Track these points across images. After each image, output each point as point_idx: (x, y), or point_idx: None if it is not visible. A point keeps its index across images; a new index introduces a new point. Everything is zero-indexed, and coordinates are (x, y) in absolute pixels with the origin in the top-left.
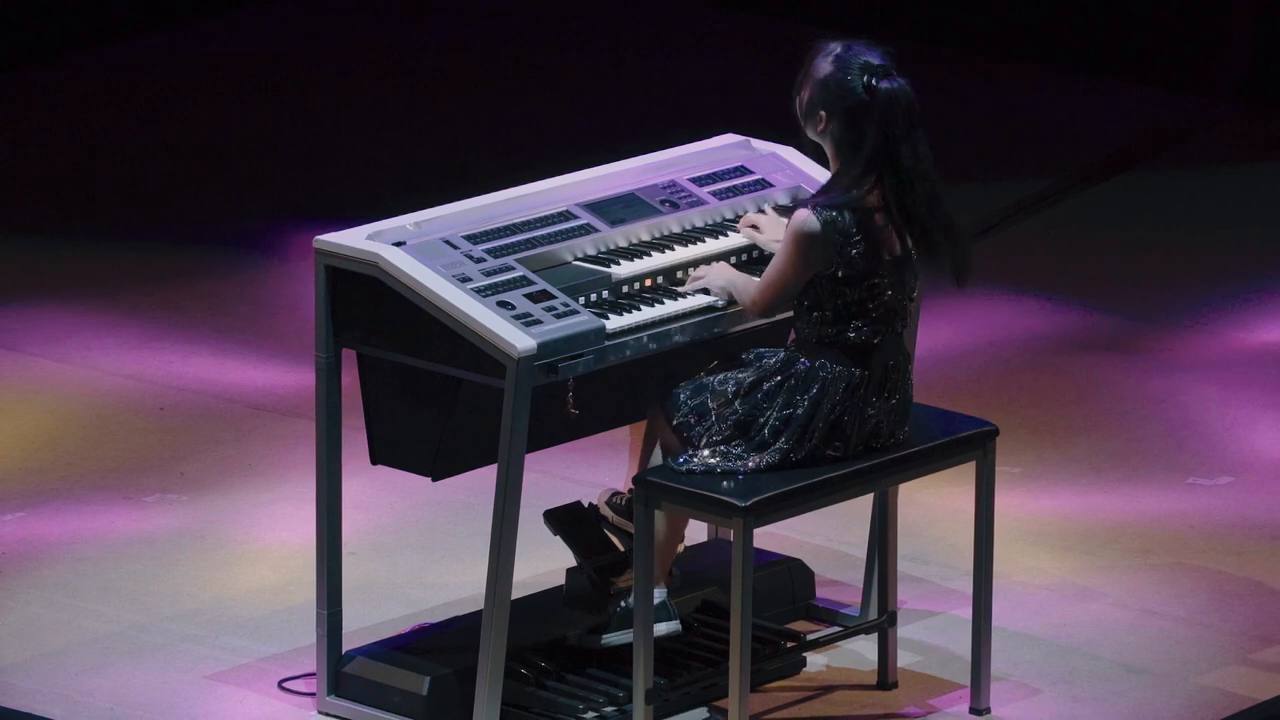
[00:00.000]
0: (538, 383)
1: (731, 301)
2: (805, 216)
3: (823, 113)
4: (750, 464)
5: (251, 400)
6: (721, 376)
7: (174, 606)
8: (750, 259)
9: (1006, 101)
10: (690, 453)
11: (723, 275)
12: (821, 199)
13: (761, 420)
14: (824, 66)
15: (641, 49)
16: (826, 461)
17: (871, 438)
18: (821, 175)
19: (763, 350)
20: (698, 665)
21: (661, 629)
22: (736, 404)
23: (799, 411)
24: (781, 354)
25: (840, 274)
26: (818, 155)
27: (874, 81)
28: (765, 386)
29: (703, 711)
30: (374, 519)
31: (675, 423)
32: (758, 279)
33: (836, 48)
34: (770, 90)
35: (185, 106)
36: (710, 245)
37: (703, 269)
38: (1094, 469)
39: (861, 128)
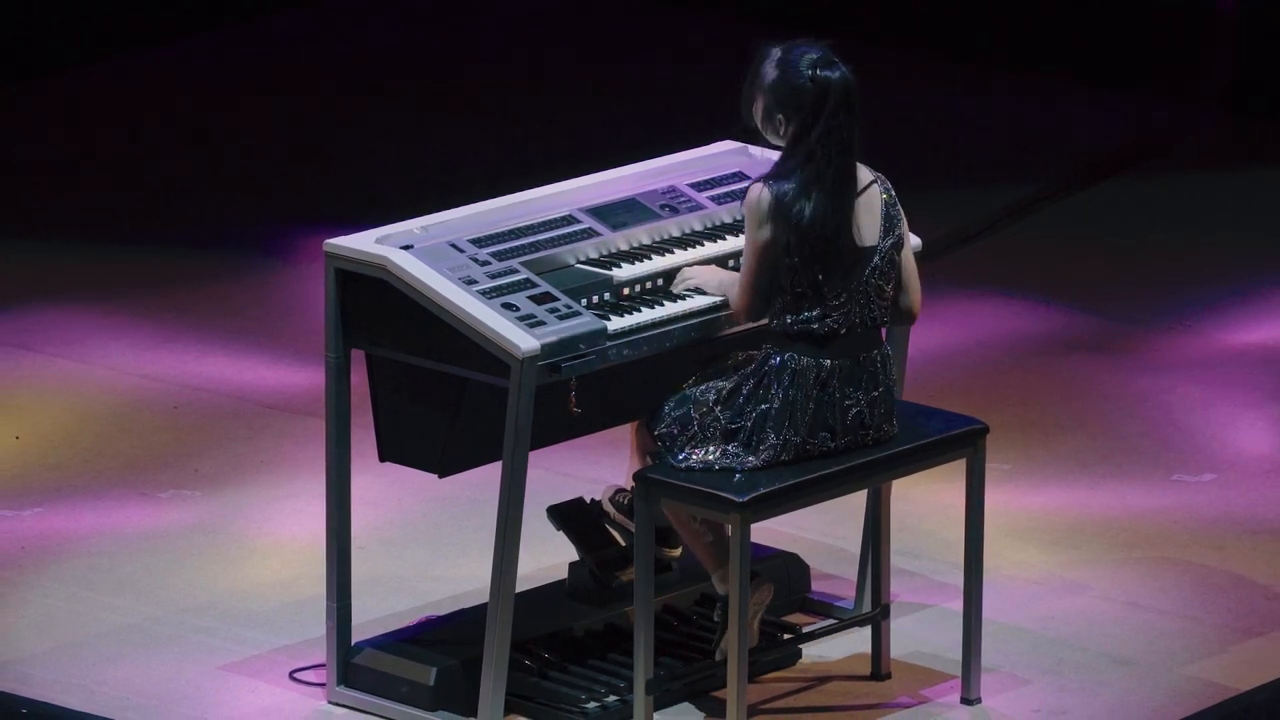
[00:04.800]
0: (541, 382)
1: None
2: (758, 190)
3: (780, 116)
4: (749, 461)
5: (263, 399)
6: (703, 387)
7: (187, 599)
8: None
9: (995, 108)
10: (689, 450)
11: (715, 277)
12: (772, 174)
13: (748, 424)
14: (770, 72)
15: (642, 58)
16: (817, 454)
17: (858, 428)
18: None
19: (740, 354)
20: (697, 656)
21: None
22: (718, 411)
23: (775, 405)
24: (755, 354)
25: (792, 248)
26: None
27: (817, 72)
28: (744, 390)
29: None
30: (382, 515)
31: (658, 432)
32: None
33: (777, 51)
34: None
35: (200, 113)
36: (709, 248)
37: (692, 270)
38: (1081, 466)
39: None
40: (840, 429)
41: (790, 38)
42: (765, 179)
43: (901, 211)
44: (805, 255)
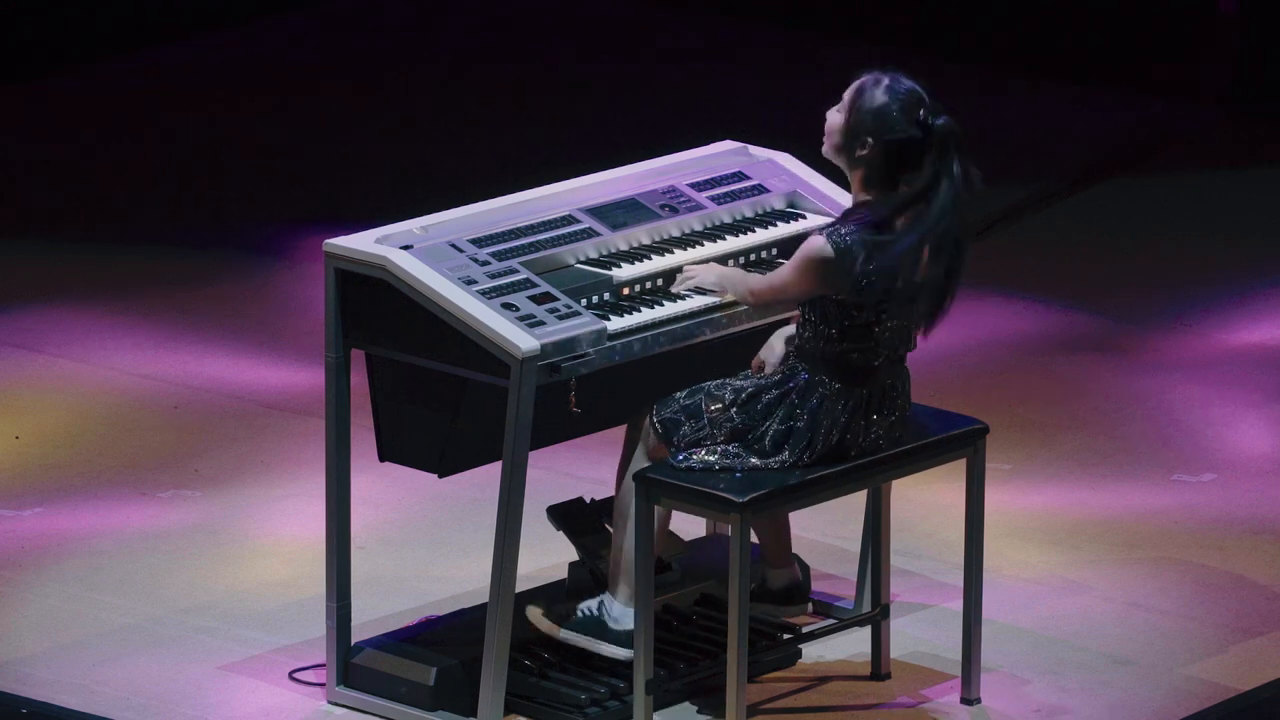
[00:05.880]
0: (541, 382)
1: (731, 303)
2: (820, 243)
3: (869, 139)
4: (751, 462)
5: (263, 399)
6: (719, 382)
7: (188, 599)
8: (748, 261)
9: (995, 108)
10: (689, 450)
11: (713, 272)
12: (841, 225)
13: (762, 431)
14: (878, 96)
15: (643, 58)
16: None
17: (874, 450)
18: (818, 181)
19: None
20: (697, 656)
21: (618, 651)
22: (733, 412)
23: (799, 425)
24: (780, 366)
25: (848, 300)
26: (822, 165)
27: (930, 119)
28: (765, 398)
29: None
30: (382, 515)
31: (663, 417)
32: (750, 273)
33: (885, 79)
34: (768, 98)
35: (201, 115)
36: (708, 248)
37: (692, 268)
38: (1081, 466)
39: (907, 161)
40: (857, 454)
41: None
42: (831, 230)
43: None
44: (876, 302)
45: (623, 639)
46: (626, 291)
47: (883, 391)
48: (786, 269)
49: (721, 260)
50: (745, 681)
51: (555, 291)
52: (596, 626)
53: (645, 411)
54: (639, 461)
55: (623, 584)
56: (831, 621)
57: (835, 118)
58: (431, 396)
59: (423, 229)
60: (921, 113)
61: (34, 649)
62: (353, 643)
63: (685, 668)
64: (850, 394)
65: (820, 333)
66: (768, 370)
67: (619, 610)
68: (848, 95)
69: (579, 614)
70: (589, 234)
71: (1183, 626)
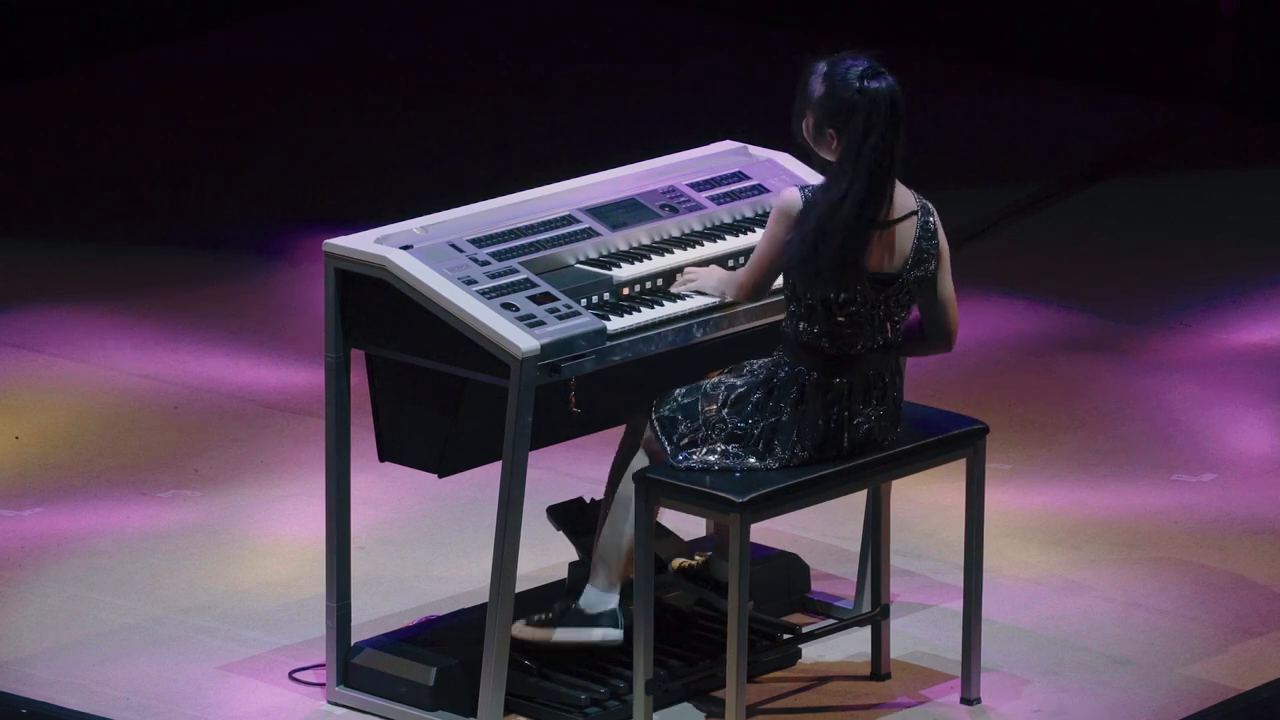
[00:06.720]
0: (541, 382)
1: (731, 303)
2: (793, 193)
3: (830, 130)
4: (750, 463)
5: (263, 399)
6: (715, 381)
7: (188, 599)
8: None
9: (995, 108)
10: (689, 450)
11: (714, 276)
12: (815, 185)
13: (756, 434)
14: (818, 87)
15: (642, 58)
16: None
17: (866, 444)
18: (818, 181)
19: (756, 361)
20: (697, 656)
21: (609, 634)
22: (725, 413)
23: (783, 418)
24: (768, 362)
25: (807, 261)
26: (822, 165)
27: (865, 84)
28: (753, 399)
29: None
30: (382, 515)
31: (661, 415)
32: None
33: (824, 65)
34: (768, 98)
35: (200, 115)
36: (708, 249)
37: (694, 271)
38: (1081, 466)
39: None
40: (848, 447)
41: (841, 43)
42: (804, 187)
43: (940, 245)
44: (823, 274)
45: (606, 620)
46: (626, 291)
47: (867, 382)
48: (762, 236)
49: (721, 261)
50: (745, 681)
51: (555, 291)
52: (578, 618)
53: (644, 409)
54: (639, 460)
55: (601, 571)
56: (831, 621)
57: (800, 122)
58: (431, 396)
59: (423, 229)
60: (860, 83)
61: (34, 649)
62: (353, 643)
63: (685, 668)
64: (830, 385)
65: (790, 313)
66: (688, 275)
67: (595, 596)
68: (797, 96)
69: (557, 612)
70: (589, 234)
71: (1183, 626)
